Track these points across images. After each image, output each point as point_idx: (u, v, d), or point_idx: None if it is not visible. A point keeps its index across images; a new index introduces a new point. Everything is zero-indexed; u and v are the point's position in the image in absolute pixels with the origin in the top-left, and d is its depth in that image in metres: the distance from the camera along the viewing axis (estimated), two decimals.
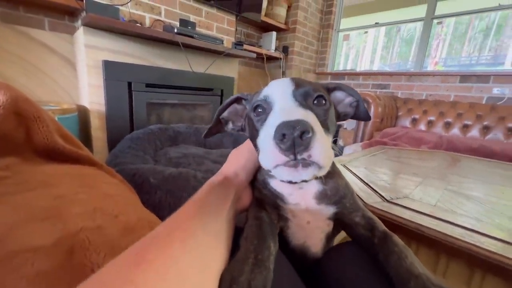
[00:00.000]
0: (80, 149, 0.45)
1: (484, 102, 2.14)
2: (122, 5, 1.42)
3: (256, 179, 0.38)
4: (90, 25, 1.29)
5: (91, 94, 1.38)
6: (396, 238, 0.30)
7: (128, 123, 1.53)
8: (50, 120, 0.41)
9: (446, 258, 0.43)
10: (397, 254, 0.27)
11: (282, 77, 2.87)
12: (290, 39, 2.86)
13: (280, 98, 0.29)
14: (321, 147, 0.24)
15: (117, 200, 0.37)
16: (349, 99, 0.37)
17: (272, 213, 0.35)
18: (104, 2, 1.35)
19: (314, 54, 3.18)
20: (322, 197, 0.34)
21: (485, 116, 1.98)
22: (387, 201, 0.53)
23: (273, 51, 2.71)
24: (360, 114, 0.37)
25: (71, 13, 1.50)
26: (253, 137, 0.32)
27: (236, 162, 0.37)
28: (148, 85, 1.57)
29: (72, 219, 0.27)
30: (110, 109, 1.44)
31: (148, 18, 1.60)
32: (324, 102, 0.30)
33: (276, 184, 0.35)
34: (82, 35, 1.32)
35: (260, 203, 0.36)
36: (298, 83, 0.30)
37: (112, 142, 1.44)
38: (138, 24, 1.46)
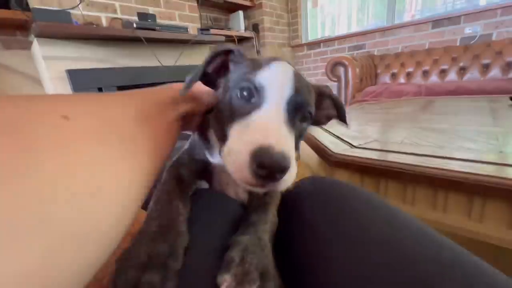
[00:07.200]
0: None
1: (458, 44, 2.15)
2: (72, 8, 1.35)
3: None
4: (43, 35, 1.23)
5: None
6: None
7: None
8: None
9: (412, 186, 0.45)
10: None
11: (257, 56, 2.82)
12: (258, 15, 2.78)
13: (274, 100, 0.25)
14: (291, 175, 0.22)
15: None
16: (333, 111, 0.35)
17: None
18: (53, 8, 1.29)
19: (286, 27, 3.11)
20: None
21: (460, 57, 2.00)
22: (355, 147, 0.55)
23: (243, 31, 2.64)
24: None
25: (21, 27, 1.42)
26: (223, 117, 0.27)
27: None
28: (120, 88, 1.53)
29: None
30: None
31: (104, 18, 1.54)
32: (308, 120, 0.28)
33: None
34: (38, 48, 1.27)
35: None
36: (298, 87, 0.26)
37: None
38: (94, 26, 1.40)
